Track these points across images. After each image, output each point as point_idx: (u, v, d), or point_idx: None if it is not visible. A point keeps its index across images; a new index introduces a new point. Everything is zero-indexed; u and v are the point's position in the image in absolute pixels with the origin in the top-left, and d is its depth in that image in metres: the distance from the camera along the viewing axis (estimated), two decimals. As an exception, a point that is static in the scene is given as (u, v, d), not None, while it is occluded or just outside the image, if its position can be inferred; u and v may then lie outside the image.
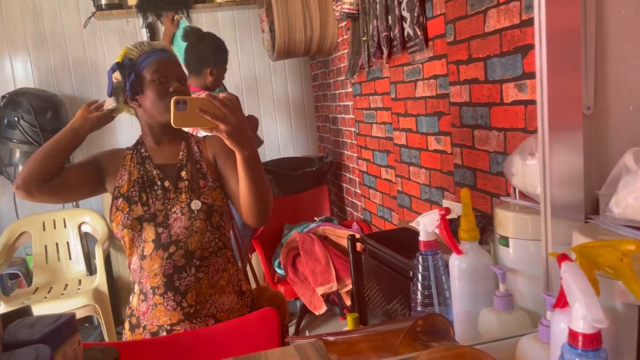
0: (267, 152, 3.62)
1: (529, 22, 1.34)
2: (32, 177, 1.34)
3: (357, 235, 1.70)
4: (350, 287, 2.65)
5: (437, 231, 0.91)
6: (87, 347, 0.80)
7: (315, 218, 3.17)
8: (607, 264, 0.61)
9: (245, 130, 1.17)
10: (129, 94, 1.37)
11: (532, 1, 1.30)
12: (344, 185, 3.35)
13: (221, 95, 1.13)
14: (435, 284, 0.93)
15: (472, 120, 1.69)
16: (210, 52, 2.52)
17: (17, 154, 3.09)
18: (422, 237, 0.92)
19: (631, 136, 0.79)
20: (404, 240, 1.55)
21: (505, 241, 0.89)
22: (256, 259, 3.12)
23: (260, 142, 2.83)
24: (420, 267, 0.93)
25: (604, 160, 0.79)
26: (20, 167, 3.10)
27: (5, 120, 3.05)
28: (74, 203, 3.34)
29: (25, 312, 0.81)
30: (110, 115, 1.45)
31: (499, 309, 0.83)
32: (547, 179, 0.79)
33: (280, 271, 2.92)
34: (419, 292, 0.94)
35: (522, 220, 0.87)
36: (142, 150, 1.45)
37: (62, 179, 1.38)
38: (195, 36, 2.53)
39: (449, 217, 0.91)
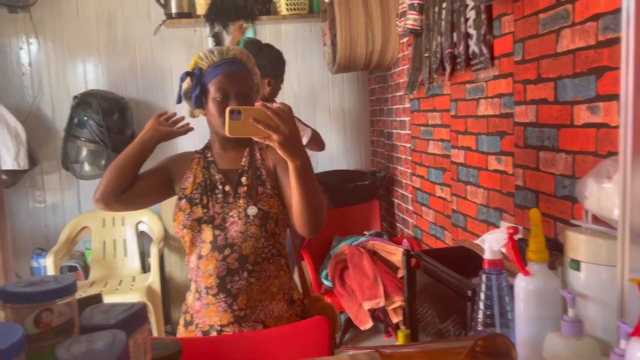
0: (320, 164, 3.64)
1: (606, 44, 1.31)
2: (109, 191, 1.41)
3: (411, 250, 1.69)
4: (397, 304, 2.61)
5: (503, 250, 0.89)
6: (151, 339, 0.83)
7: (365, 232, 3.16)
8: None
9: (298, 140, 1.18)
10: (194, 104, 1.43)
11: (611, 22, 1.26)
12: (396, 201, 3.33)
13: (274, 105, 1.16)
14: (497, 304, 0.91)
15: (538, 141, 1.64)
16: (268, 63, 2.60)
17: (84, 152, 3.24)
18: (487, 256, 0.91)
19: None
20: (460, 258, 1.52)
21: (576, 265, 0.86)
22: (303, 269, 3.14)
23: (318, 141, 2.79)
24: (483, 286, 0.91)
25: (691, 187, 0.76)
26: (86, 165, 3.25)
27: (76, 119, 3.22)
28: (132, 202, 3.45)
29: (97, 299, 0.85)
30: (180, 132, 1.50)
31: (567, 334, 0.81)
32: (627, 203, 0.76)
33: (327, 283, 2.92)
34: (480, 312, 0.92)
35: (596, 245, 0.84)
36: (209, 155, 1.50)
37: (135, 190, 1.44)
38: (254, 48, 2.62)
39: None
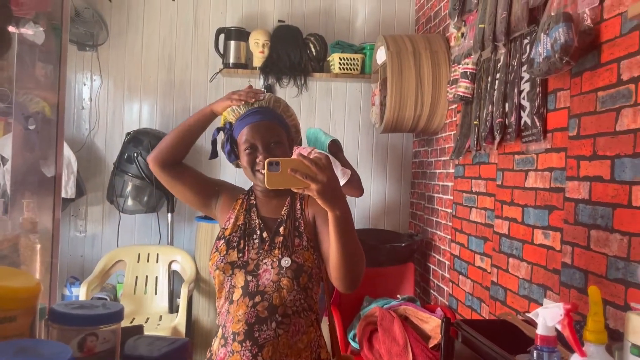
0: (357, 221, 3.62)
1: (669, 126, 1.28)
2: (168, 152, 1.46)
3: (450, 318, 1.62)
4: (426, 375, 2.50)
5: (558, 327, 0.85)
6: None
7: (398, 296, 3.08)
8: None
9: (337, 189, 1.17)
10: (228, 158, 1.46)
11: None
12: (432, 266, 3.25)
13: (312, 155, 1.16)
14: (548, 385, 0.86)
15: (590, 219, 1.60)
16: None
17: (129, 187, 3.33)
18: (540, 331, 0.86)
19: None
20: (501, 333, 1.46)
21: (638, 351, 0.81)
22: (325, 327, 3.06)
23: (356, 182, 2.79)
24: (534, 363, 0.87)
25: None
26: (129, 200, 3.33)
27: (126, 154, 3.33)
28: (168, 241, 3.50)
29: (138, 330, 0.84)
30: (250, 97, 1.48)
31: None
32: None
33: (354, 344, 2.83)
34: (529, 391, 0.87)
35: (662, 332, 0.80)
36: (252, 199, 1.51)
37: (188, 170, 1.50)
38: None
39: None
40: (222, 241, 1.43)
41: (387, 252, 3.19)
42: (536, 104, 1.93)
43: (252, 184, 1.54)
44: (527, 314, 0.94)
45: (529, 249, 1.99)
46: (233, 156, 1.46)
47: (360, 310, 3.06)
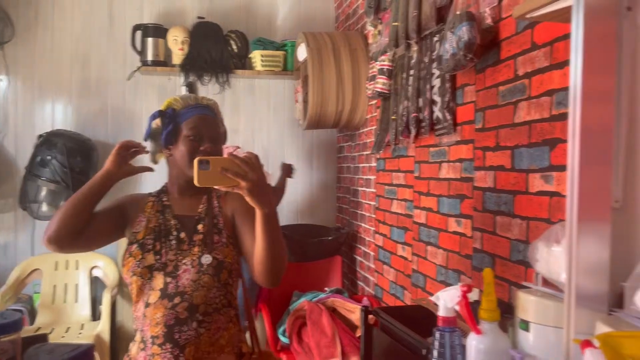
0: (285, 217, 3.65)
1: (559, 117, 1.39)
2: (64, 231, 1.32)
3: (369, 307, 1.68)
4: (354, 364, 2.57)
5: (457, 308, 0.91)
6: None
7: (326, 288, 3.13)
8: (632, 355, 0.60)
9: (266, 188, 1.20)
10: (163, 142, 1.43)
11: (563, 97, 1.35)
12: (358, 258, 3.34)
13: (242, 154, 1.18)
14: (450, 363, 0.92)
15: (495, 206, 1.70)
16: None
17: (44, 192, 3.17)
18: (441, 313, 0.92)
19: (658, 233, 0.80)
20: (418, 317, 1.52)
21: (525, 325, 0.88)
22: (260, 323, 3.07)
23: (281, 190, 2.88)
24: (436, 344, 0.92)
25: (631, 253, 0.80)
26: (44, 205, 3.16)
27: (39, 158, 3.16)
28: (89, 246, 3.36)
29: (42, 338, 0.82)
30: (140, 169, 1.44)
31: (516, 395, 0.82)
32: (573, 268, 0.80)
33: (284, 339, 2.86)
34: (433, 370, 0.93)
35: (545, 306, 0.87)
36: (165, 199, 1.48)
37: (90, 230, 1.37)
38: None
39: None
40: (135, 245, 1.40)
41: (314, 247, 3.24)
42: (446, 98, 2.02)
43: (165, 183, 1.52)
44: (430, 297, 1.00)
45: (445, 237, 2.10)
46: (172, 140, 1.42)
47: (290, 305, 3.09)
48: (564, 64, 1.36)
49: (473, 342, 0.88)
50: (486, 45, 1.74)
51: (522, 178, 1.55)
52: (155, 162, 1.50)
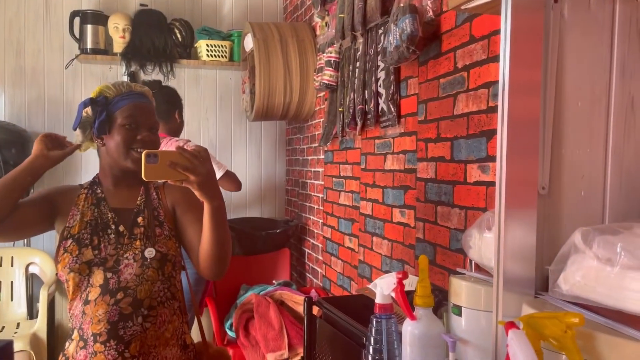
0: (233, 210, 3.61)
1: (495, 109, 1.43)
2: None
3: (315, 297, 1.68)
4: (300, 355, 2.57)
5: (393, 295, 0.92)
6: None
7: (274, 281, 3.12)
8: (552, 335, 0.63)
9: (215, 181, 1.19)
10: (95, 131, 1.36)
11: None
12: (307, 250, 3.34)
13: (190, 147, 1.17)
14: (387, 349, 0.93)
15: (436, 196, 1.74)
16: (175, 97, 2.75)
17: (-25, 185, 3.00)
18: (378, 300, 0.93)
19: (581, 217, 0.84)
20: (363, 307, 1.54)
21: (458, 310, 0.90)
22: (207, 318, 3.03)
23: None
24: (373, 331, 0.93)
25: (556, 238, 0.83)
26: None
27: (-31, 149, 2.99)
28: (24, 242, 3.22)
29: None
30: (68, 152, 1.35)
31: (448, 378, 0.84)
32: (501, 253, 0.82)
33: (231, 333, 2.83)
34: (370, 356, 0.93)
35: (476, 291, 0.89)
36: (99, 191, 1.42)
37: (15, 218, 1.30)
38: (157, 86, 2.78)
39: (407, 290, 0.92)
40: (71, 240, 1.34)
41: (263, 240, 3.22)
42: (390, 91, 2.05)
43: (96, 174, 1.45)
44: (368, 286, 1.01)
45: (389, 227, 2.13)
46: (105, 129, 1.36)
47: (237, 299, 3.06)
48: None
49: (408, 328, 0.89)
50: (428, 38, 1.77)
51: (460, 169, 1.59)
52: (80, 150, 1.43)
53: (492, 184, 1.44)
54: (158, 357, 1.33)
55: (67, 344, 1.38)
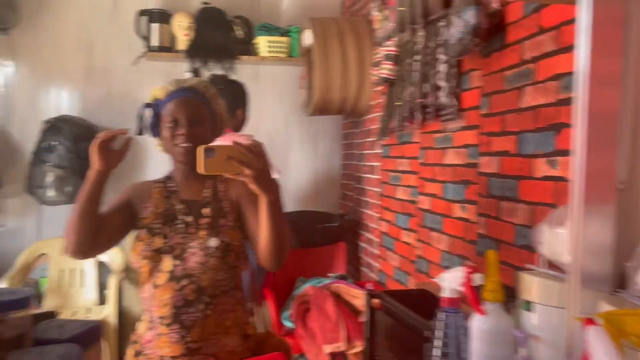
0: (289, 203, 3.65)
1: (564, 102, 1.39)
2: (80, 239, 1.32)
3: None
4: (358, 348, 2.59)
5: (460, 289, 0.92)
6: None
7: (330, 274, 3.15)
8: (634, 332, 0.61)
9: (270, 175, 1.21)
10: (152, 134, 1.44)
11: (570, 82, 1.35)
12: (362, 244, 3.35)
13: (247, 142, 1.19)
14: (454, 343, 0.93)
15: (500, 191, 1.71)
16: (239, 94, 2.78)
17: (50, 177, 3.19)
18: (444, 294, 0.93)
19: (663, 214, 0.81)
20: (423, 301, 1.53)
21: (528, 306, 0.89)
22: (265, 308, 3.09)
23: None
24: (440, 324, 0.93)
25: (635, 234, 0.80)
26: (51, 191, 3.18)
27: (45, 143, 3.18)
28: (95, 231, 3.39)
29: (51, 315, 0.83)
30: (126, 150, 1.36)
31: (518, 374, 0.83)
32: (577, 248, 0.80)
33: (288, 324, 2.88)
34: (436, 350, 0.94)
35: (548, 287, 0.88)
36: (171, 185, 1.49)
37: (107, 231, 1.38)
38: (224, 81, 2.79)
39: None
40: (144, 230, 1.42)
41: (319, 233, 3.25)
42: (452, 84, 2.02)
43: (170, 170, 1.53)
44: (434, 279, 1.01)
45: (449, 222, 2.10)
46: (156, 131, 1.44)
47: (294, 290, 3.11)
48: (571, 47, 1.35)
49: (477, 323, 0.89)
50: (492, 30, 1.73)
51: (527, 163, 1.55)
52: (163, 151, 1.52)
53: (561, 179, 1.39)
54: (218, 344, 1.38)
55: (138, 324, 1.45)
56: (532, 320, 0.90)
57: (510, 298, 1.29)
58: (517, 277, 0.95)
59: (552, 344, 0.86)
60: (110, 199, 1.47)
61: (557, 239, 0.91)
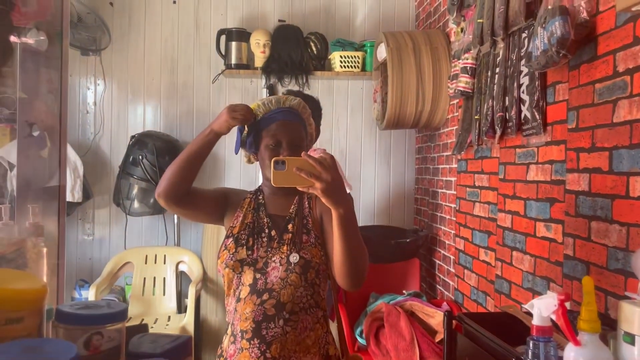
0: (362, 218, 3.64)
1: (665, 116, 1.29)
2: (174, 185, 1.40)
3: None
4: (433, 369, 2.51)
5: (552, 317, 0.87)
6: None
7: (404, 291, 3.09)
8: None
9: (341, 188, 1.18)
10: (248, 149, 1.48)
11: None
12: (437, 261, 3.26)
13: (317, 154, 1.18)
14: (545, 375, 0.87)
15: (590, 210, 1.61)
16: (315, 109, 2.75)
17: (135, 190, 3.37)
18: (535, 322, 0.88)
19: None
20: (504, 325, 1.47)
21: (630, 339, 0.82)
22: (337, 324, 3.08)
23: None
24: (530, 353, 0.88)
25: None
26: (136, 202, 3.36)
27: (131, 157, 3.36)
28: (175, 241, 3.54)
29: (144, 328, 0.87)
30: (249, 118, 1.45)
31: (620, 413, 0.76)
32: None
33: (361, 340, 2.85)
34: (526, 381, 0.89)
35: (654, 320, 0.81)
36: (260, 198, 1.53)
37: (196, 194, 1.46)
38: (299, 97, 2.78)
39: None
40: (231, 239, 1.45)
41: (392, 249, 3.20)
42: (535, 97, 1.93)
43: (260, 183, 1.57)
44: (524, 306, 0.95)
45: (532, 242, 2.00)
46: (254, 147, 1.48)
47: (367, 306, 3.08)
48: (673, 58, 1.26)
49: (572, 354, 0.83)
50: (581, 41, 1.64)
51: (622, 181, 1.45)
52: (250, 162, 1.57)
53: (661, 199, 1.29)
54: None
55: (224, 337, 1.48)
56: (634, 354, 0.83)
57: (604, 327, 1.21)
58: (618, 306, 0.88)
59: (659, 382, 0.79)
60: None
61: (662, 267, 0.84)
